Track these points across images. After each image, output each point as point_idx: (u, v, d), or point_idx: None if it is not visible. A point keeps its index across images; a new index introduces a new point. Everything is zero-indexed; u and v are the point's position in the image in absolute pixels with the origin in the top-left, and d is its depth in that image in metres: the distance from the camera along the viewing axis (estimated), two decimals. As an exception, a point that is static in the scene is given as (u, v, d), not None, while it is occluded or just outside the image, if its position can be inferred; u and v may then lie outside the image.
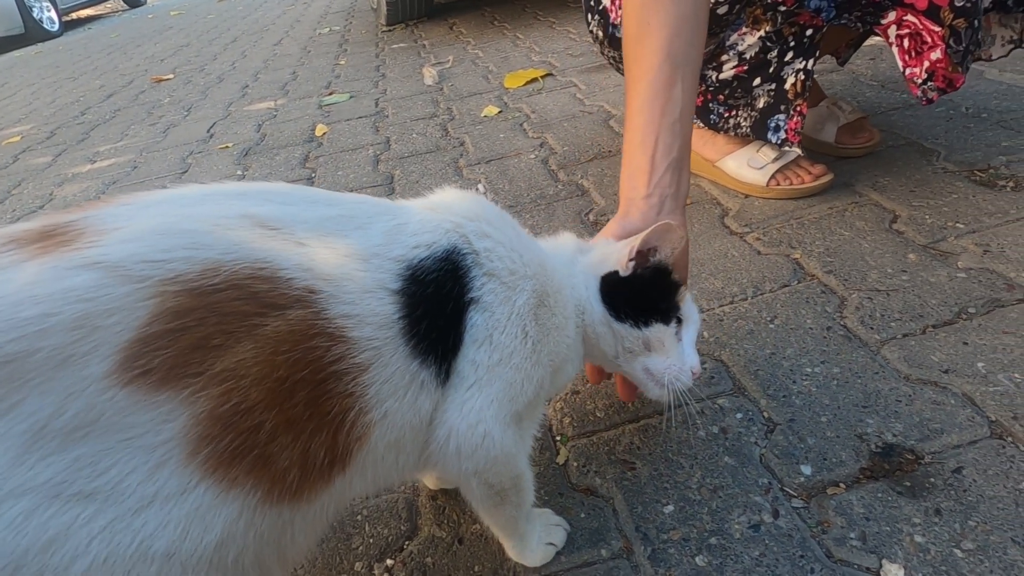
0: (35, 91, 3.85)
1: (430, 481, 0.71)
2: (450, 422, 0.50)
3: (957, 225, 0.98)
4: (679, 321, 0.61)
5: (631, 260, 0.60)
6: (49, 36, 6.53)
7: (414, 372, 0.46)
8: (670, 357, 0.60)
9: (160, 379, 0.35)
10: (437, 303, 0.48)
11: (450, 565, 0.64)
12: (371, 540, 0.68)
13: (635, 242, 0.59)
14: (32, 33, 6.36)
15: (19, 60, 5.47)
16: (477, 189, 0.51)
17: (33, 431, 0.33)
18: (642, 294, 0.60)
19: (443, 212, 0.53)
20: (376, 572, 0.65)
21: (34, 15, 6.39)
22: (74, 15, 8.10)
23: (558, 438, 0.77)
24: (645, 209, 0.70)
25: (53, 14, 6.74)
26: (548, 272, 0.57)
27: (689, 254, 0.75)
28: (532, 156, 1.55)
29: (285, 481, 0.40)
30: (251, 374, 0.38)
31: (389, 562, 0.66)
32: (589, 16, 1.26)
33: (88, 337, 0.34)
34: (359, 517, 0.71)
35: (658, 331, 0.59)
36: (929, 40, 0.88)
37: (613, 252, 0.62)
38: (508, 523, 0.60)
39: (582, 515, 0.67)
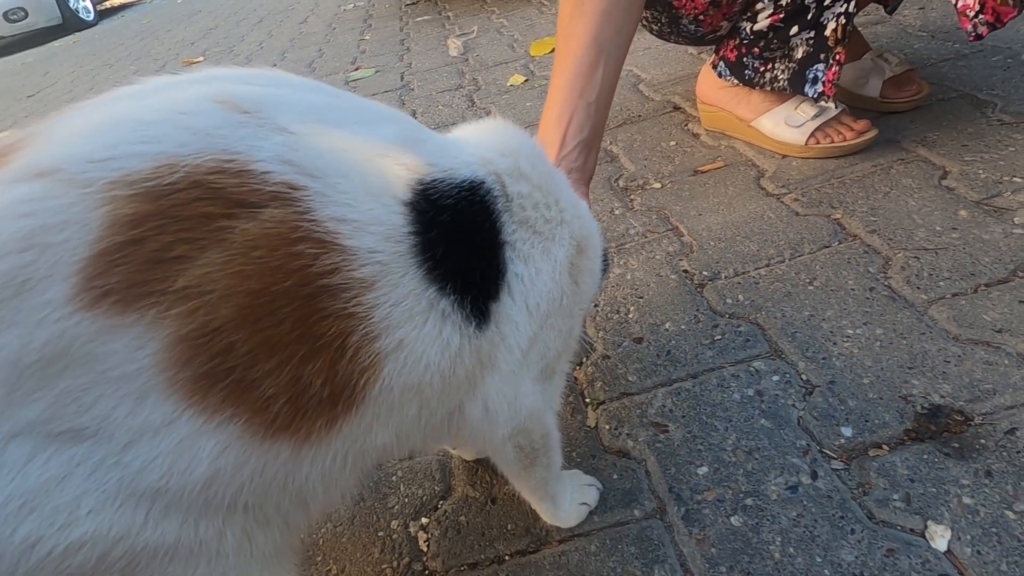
0: (75, 79, 3.96)
1: (468, 453, 0.72)
2: (489, 386, 0.47)
3: (1014, 179, 0.92)
4: None
5: None
6: (85, 25, 6.69)
7: (432, 299, 0.40)
8: None
9: (121, 300, 0.31)
10: (457, 232, 0.42)
11: (484, 524, 0.65)
12: (406, 499, 0.70)
13: None
14: (69, 23, 6.52)
15: (59, 50, 5.63)
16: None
17: (9, 366, 0.30)
18: None
19: (471, 142, 0.48)
20: (412, 530, 0.66)
21: (70, 5, 6.54)
22: (107, 3, 8.27)
23: (588, 401, 0.76)
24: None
25: (88, 3, 6.88)
26: (583, 214, 0.54)
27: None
28: (559, 123, 1.52)
29: (270, 411, 0.35)
30: (218, 288, 0.33)
31: (424, 520, 0.67)
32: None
33: (41, 258, 0.30)
34: (394, 478, 0.72)
35: None
36: None
37: None
38: (539, 486, 0.59)
39: (614, 476, 0.67)
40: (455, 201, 0.42)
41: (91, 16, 6.86)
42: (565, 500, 0.62)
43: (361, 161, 0.38)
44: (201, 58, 3.54)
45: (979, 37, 0.88)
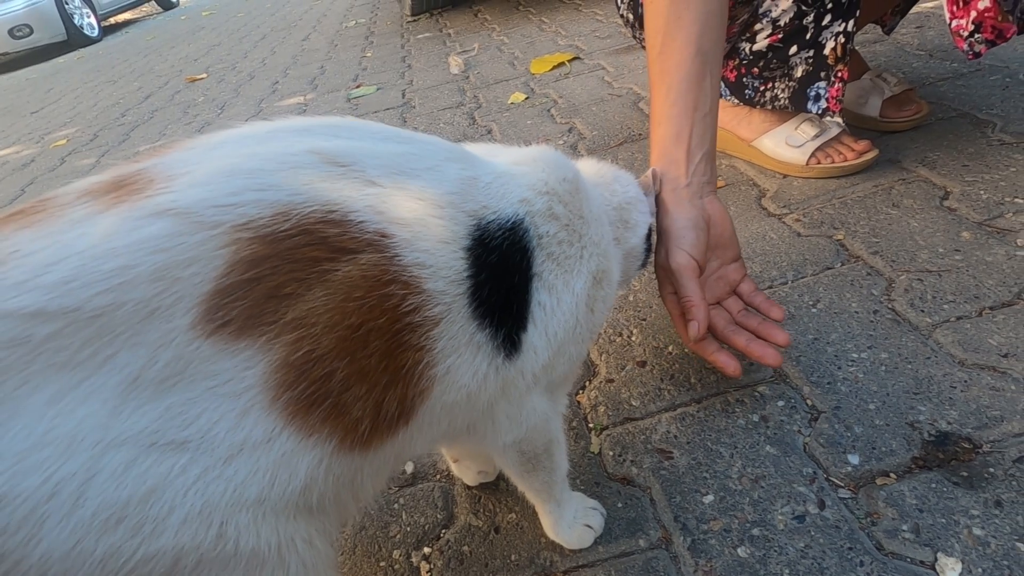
0: (78, 95, 4.00)
1: (468, 477, 0.72)
2: (498, 405, 0.50)
3: (1016, 200, 0.92)
4: None
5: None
6: (90, 41, 6.75)
7: (472, 332, 0.45)
8: None
9: (238, 329, 0.35)
10: (500, 272, 0.46)
11: (487, 554, 0.64)
12: (408, 528, 0.69)
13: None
14: (74, 39, 6.59)
15: (63, 66, 5.68)
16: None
17: (127, 382, 0.33)
18: None
19: (514, 179, 0.51)
20: (414, 560, 0.65)
21: (75, 22, 6.61)
22: (112, 20, 8.36)
23: (591, 427, 0.76)
24: (688, 197, 0.74)
25: (93, 20, 6.96)
26: (607, 247, 0.57)
27: (736, 230, 0.77)
28: (561, 142, 1.53)
29: (357, 431, 0.40)
30: (322, 321, 0.37)
31: (427, 550, 0.66)
32: (618, 0, 1.23)
33: (170, 289, 0.34)
34: (396, 506, 0.72)
35: None
36: None
37: None
38: (543, 488, 0.61)
39: (619, 505, 0.66)
40: (500, 241, 0.47)
41: (96, 32, 6.93)
42: (569, 512, 0.63)
43: (435, 210, 0.43)
44: (204, 75, 3.57)
45: (977, 55, 0.88)
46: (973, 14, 0.85)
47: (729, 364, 0.70)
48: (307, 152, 0.41)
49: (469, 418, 0.51)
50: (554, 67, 2.08)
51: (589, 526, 0.63)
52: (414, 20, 3.51)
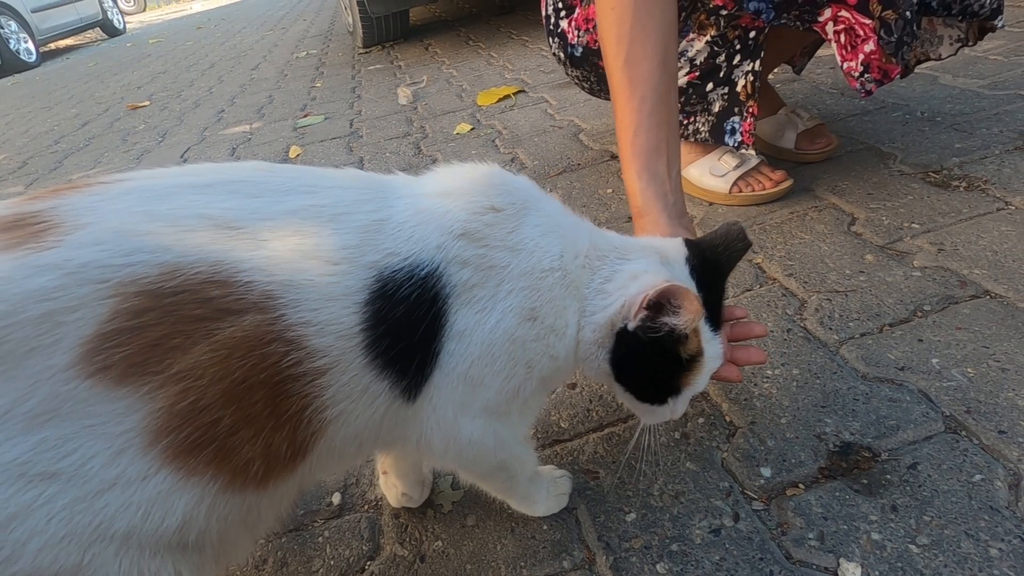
0: (9, 122, 3.82)
1: (392, 496, 0.71)
2: (421, 428, 0.52)
3: (912, 225, 1.00)
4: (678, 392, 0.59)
5: (641, 311, 0.52)
6: (26, 67, 6.51)
7: (368, 382, 0.46)
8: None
9: (120, 375, 0.37)
10: (405, 326, 0.46)
11: (411, 584, 0.63)
12: (332, 562, 0.67)
13: (648, 294, 0.51)
14: (9, 64, 6.34)
15: (-5, 91, 5.43)
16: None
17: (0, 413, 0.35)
18: (650, 365, 0.56)
19: (433, 218, 0.48)
20: (336, 594, 0.64)
21: (11, 46, 6.37)
22: (52, 45, 8.09)
23: (523, 450, 0.76)
24: (677, 217, 0.71)
25: (30, 45, 6.72)
26: (545, 288, 0.52)
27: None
28: (503, 171, 1.56)
29: (248, 472, 0.42)
30: (207, 375, 0.39)
31: (350, 583, 0.64)
32: (550, 40, 1.28)
33: (52, 331, 0.36)
34: (320, 539, 0.70)
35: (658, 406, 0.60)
36: (862, 33, 0.92)
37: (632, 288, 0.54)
38: (502, 492, 0.65)
39: (544, 527, 0.66)
40: (408, 293, 0.46)
41: (33, 58, 6.69)
42: (540, 497, 0.66)
43: (325, 268, 0.43)
44: (147, 102, 3.49)
45: (869, 93, 0.97)
46: (861, 56, 0.93)
47: (733, 371, 0.66)
48: (199, 217, 0.42)
49: (386, 442, 0.53)
50: (500, 99, 2.14)
51: (561, 493, 0.67)
52: (366, 52, 3.55)
